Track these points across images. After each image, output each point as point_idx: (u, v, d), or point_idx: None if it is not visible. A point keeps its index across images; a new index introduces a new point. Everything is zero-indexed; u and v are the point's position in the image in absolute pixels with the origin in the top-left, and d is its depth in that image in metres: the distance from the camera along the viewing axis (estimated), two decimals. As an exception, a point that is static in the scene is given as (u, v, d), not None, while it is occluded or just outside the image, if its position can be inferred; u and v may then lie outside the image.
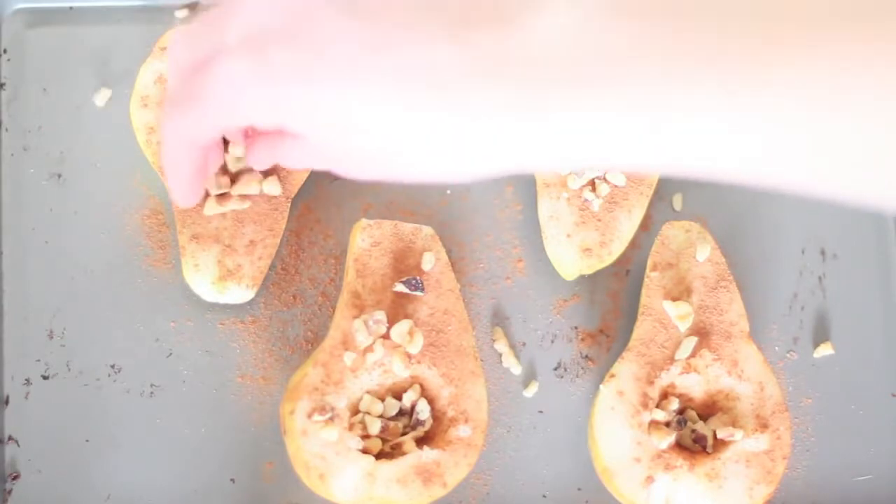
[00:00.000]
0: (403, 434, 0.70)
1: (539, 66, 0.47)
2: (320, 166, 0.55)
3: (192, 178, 0.59)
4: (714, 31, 0.45)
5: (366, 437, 0.69)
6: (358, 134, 0.50)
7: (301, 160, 0.56)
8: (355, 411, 0.70)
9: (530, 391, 0.75)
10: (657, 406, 0.71)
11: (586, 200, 0.74)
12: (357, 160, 0.52)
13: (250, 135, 0.62)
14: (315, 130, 0.51)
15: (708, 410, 0.72)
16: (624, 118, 0.47)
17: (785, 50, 0.45)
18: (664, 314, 0.72)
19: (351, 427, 0.68)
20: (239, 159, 0.72)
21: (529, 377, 0.75)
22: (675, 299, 0.72)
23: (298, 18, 0.50)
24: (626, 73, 0.46)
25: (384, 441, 0.70)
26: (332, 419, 0.68)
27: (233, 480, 0.73)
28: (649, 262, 0.74)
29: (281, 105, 0.51)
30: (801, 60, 0.44)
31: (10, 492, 0.72)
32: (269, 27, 0.50)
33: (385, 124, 0.49)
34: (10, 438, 0.73)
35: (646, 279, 0.73)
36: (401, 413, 0.71)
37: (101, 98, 0.78)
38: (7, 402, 0.73)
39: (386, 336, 0.70)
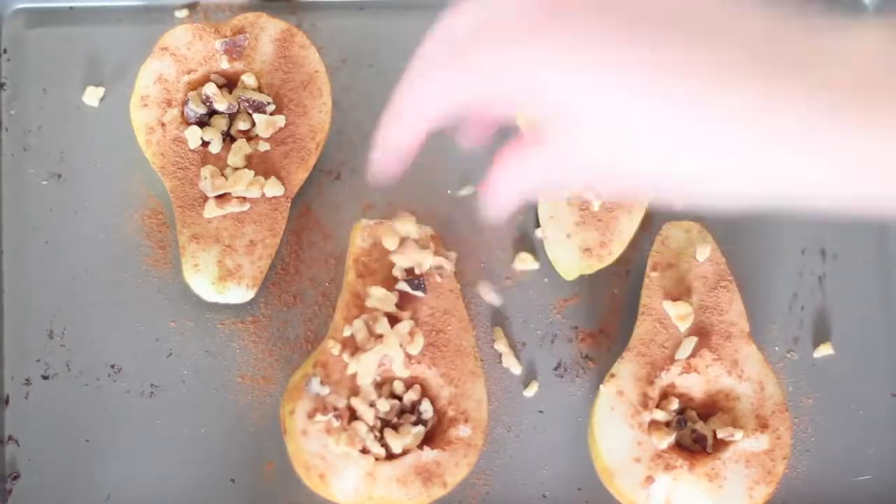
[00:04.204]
0: (403, 434, 0.70)
1: (839, 88, 0.45)
2: (560, 180, 0.54)
3: (407, 149, 0.56)
4: None
5: (366, 437, 0.69)
6: (587, 125, 0.48)
7: (544, 174, 0.53)
8: (355, 411, 0.70)
9: (530, 391, 0.75)
10: (657, 406, 0.71)
11: (586, 200, 0.74)
12: (590, 162, 0.50)
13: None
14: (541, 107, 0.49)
15: (708, 410, 0.72)
16: None
17: None
18: (664, 314, 0.72)
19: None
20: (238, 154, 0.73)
21: (529, 377, 0.75)
22: (675, 299, 0.72)
23: None
24: None
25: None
26: (337, 417, 0.67)
27: (233, 480, 0.73)
28: (649, 262, 0.74)
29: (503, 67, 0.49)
30: None
31: (10, 492, 0.72)
32: None
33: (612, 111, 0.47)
34: (10, 438, 0.73)
35: (646, 279, 0.73)
36: (401, 413, 0.70)
37: (101, 98, 0.77)
38: (7, 402, 0.73)
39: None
